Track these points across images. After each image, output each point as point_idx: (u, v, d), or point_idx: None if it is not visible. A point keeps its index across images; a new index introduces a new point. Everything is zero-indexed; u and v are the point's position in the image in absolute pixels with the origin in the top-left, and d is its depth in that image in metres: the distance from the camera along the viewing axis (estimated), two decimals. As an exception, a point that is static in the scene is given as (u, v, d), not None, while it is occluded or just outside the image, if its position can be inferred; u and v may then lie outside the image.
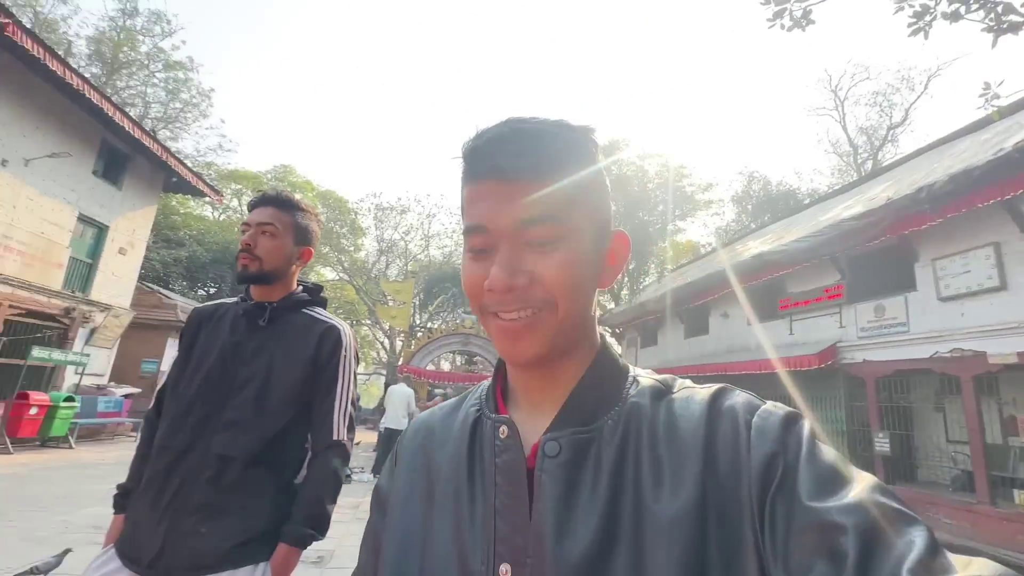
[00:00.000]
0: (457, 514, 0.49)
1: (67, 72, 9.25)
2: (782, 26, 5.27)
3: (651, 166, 21.57)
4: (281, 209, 1.44)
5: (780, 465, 0.39)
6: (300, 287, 1.51)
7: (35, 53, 8.56)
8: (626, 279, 22.48)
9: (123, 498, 1.36)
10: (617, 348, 0.56)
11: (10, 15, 8.09)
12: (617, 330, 20.32)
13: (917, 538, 0.33)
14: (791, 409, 0.45)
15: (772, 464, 0.39)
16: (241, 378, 1.33)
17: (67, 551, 2.60)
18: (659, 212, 21.09)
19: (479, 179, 0.48)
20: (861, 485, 0.37)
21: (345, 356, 1.43)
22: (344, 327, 1.48)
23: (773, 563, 0.36)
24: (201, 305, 1.53)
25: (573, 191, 0.47)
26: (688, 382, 0.52)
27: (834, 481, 0.37)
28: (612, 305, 22.20)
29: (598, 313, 0.55)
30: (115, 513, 1.36)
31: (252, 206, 1.46)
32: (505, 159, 0.46)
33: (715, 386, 0.49)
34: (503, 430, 0.50)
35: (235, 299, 1.49)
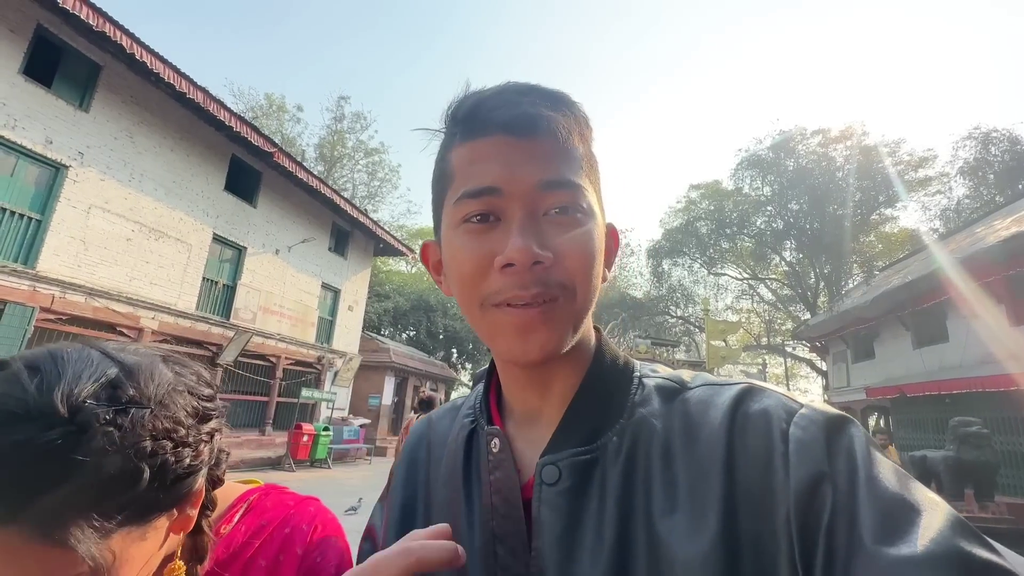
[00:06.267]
0: (456, 542, 0.44)
1: (309, 177, 12.23)
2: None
3: (836, 152, 18.62)
4: None
5: (829, 491, 0.32)
6: None
7: (291, 169, 11.58)
8: (822, 284, 19.46)
9: None
10: (617, 347, 0.49)
11: (275, 145, 11.12)
12: (819, 343, 17.66)
13: None
14: (834, 411, 0.37)
15: (819, 489, 0.32)
16: None
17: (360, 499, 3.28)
18: (857, 202, 17.92)
19: (485, 135, 0.41)
20: (936, 523, 0.29)
21: None
22: None
23: None
24: None
25: (587, 162, 0.43)
26: (709, 377, 0.44)
27: (902, 515, 0.30)
28: (807, 315, 19.40)
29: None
30: None
31: None
32: (522, 111, 0.40)
33: (741, 384, 0.41)
34: (495, 443, 0.45)
35: None
